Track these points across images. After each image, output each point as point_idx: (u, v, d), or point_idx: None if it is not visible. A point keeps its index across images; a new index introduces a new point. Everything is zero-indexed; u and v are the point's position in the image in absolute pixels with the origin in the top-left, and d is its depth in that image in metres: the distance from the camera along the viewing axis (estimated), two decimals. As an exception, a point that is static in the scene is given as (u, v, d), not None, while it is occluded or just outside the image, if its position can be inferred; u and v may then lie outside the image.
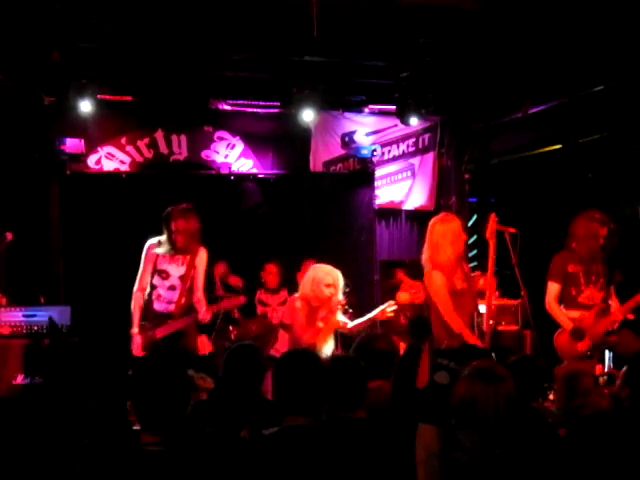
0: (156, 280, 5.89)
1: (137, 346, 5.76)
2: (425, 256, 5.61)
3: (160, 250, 5.88)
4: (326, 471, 2.98)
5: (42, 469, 3.04)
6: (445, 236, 5.52)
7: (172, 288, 5.89)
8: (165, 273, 5.89)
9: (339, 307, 5.84)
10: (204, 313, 5.85)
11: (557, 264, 6.06)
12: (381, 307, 5.92)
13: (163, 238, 5.88)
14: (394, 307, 5.91)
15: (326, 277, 5.69)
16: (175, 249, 5.85)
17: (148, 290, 5.90)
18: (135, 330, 5.81)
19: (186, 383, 2.94)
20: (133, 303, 5.90)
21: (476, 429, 2.94)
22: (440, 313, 5.44)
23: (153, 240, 5.93)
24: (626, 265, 6.15)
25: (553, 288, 6.06)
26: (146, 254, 5.92)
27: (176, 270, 5.90)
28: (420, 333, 5.76)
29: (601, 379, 5.49)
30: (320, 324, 5.73)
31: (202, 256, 6.00)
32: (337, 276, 5.73)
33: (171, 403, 2.82)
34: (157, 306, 5.90)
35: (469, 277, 5.74)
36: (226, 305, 6.38)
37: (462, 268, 5.66)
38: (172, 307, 5.88)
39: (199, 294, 5.96)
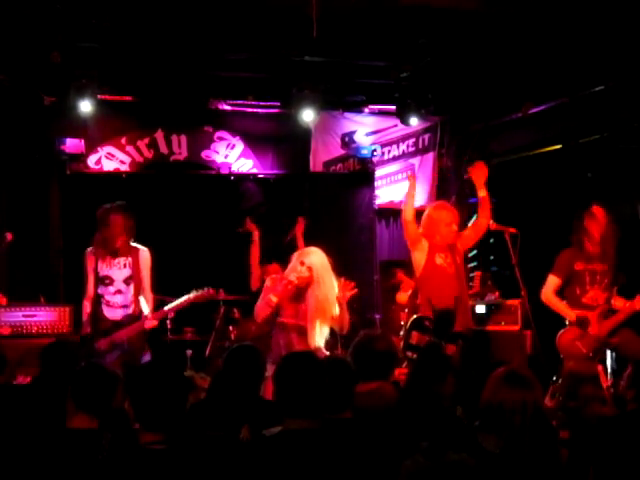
0: (100, 289, 5.79)
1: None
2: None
3: (98, 252, 5.78)
4: (326, 474, 2.97)
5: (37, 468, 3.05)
6: (437, 223, 5.99)
7: (119, 292, 5.82)
8: (108, 279, 5.80)
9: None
10: (149, 320, 5.73)
11: (564, 260, 5.99)
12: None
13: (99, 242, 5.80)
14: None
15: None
16: (111, 249, 5.77)
17: (95, 299, 5.79)
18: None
19: (183, 381, 2.96)
20: (82, 312, 5.85)
21: (500, 433, 2.89)
22: None
23: (89, 248, 5.86)
24: (626, 265, 6.13)
25: (553, 281, 6.00)
26: (86, 261, 5.83)
27: (119, 274, 5.82)
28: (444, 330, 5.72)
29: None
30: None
31: (144, 256, 5.89)
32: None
33: (170, 401, 2.83)
34: (108, 313, 5.81)
35: (458, 266, 6.04)
36: (174, 307, 5.91)
37: (452, 255, 6.00)
38: (124, 311, 5.79)
39: (147, 295, 5.86)
